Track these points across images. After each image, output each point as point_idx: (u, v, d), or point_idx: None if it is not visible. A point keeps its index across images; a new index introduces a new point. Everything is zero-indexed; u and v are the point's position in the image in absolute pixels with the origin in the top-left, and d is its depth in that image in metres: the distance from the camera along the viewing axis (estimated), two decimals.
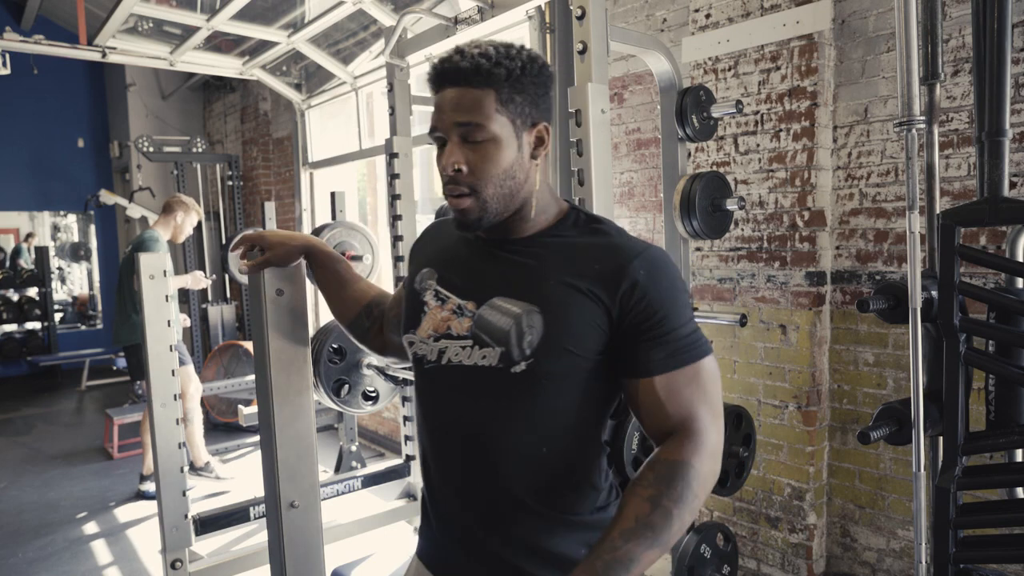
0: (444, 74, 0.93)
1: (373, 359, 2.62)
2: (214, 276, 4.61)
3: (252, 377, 4.53)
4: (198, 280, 3.94)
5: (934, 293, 1.69)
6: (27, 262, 8.01)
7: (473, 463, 0.97)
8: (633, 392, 0.93)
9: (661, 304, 0.91)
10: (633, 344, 0.92)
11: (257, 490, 3.13)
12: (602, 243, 0.96)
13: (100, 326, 8.38)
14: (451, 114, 0.92)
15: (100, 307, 8.53)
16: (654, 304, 0.91)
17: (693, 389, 0.91)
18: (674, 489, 0.86)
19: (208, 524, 2.28)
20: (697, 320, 0.99)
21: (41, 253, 7.70)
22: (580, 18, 1.64)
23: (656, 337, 0.91)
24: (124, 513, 3.71)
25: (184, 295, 5.81)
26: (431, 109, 0.98)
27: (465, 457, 0.98)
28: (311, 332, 2.18)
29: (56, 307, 8.04)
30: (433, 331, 0.99)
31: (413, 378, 1.08)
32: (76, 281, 8.77)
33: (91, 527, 3.54)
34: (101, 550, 3.28)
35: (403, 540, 2.22)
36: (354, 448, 4.09)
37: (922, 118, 1.63)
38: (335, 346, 2.55)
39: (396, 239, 2.57)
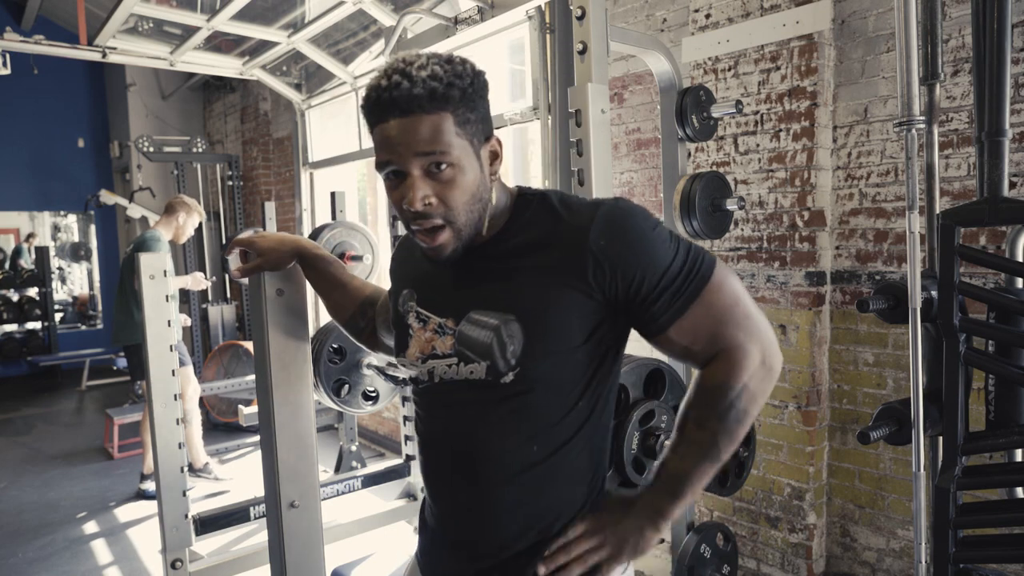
0: (394, 103, 0.84)
1: (373, 359, 2.62)
2: (214, 278, 4.62)
3: (252, 377, 4.53)
4: (198, 281, 3.95)
5: (934, 293, 1.69)
6: (27, 262, 8.01)
7: (470, 474, 0.96)
8: (658, 347, 0.93)
9: (636, 261, 0.87)
10: (633, 309, 0.90)
11: (257, 490, 3.13)
12: (556, 227, 0.92)
13: (100, 326, 8.39)
14: (409, 145, 0.85)
15: (100, 307, 8.54)
16: (629, 267, 0.87)
17: (711, 319, 0.89)
18: (714, 409, 0.89)
19: (208, 524, 2.29)
20: None
21: (41, 253, 7.70)
22: (580, 18, 1.64)
23: (648, 293, 0.88)
24: (124, 513, 3.71)
25: (184, 295, 5.81)
26: None
27: (462, 469, 0.97)
28: (311, 332, 2.18)
29: (56, 307, 8.05)
30: (420, 353, 0.99)
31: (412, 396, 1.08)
32: (76, 281, 8.77)
33: (91, 527, 3.55)
34: (101, 550, 3.28)
35: (403, 540, 2.22)
36: (354, 448, 4.09)
37: (922, 118, 1.63)
38: (335, 346, 2.55)
39: (396, 239, 2.57)
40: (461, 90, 0.86)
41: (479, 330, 0.92)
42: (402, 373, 1.06)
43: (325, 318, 5.31)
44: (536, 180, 3.58)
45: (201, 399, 4.60)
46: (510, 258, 0.94)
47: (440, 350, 0.96)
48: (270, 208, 4.58)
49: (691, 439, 0.91)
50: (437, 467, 1.02)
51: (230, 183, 6.37)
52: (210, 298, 6.17)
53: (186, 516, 2.11)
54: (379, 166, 0.90)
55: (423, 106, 0.84)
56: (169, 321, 2.08)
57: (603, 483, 1.00)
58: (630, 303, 0.89)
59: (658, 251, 0.88)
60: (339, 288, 1.29)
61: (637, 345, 1.04)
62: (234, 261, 1.35)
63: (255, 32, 4.20)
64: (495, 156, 0.94)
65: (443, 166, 0.87)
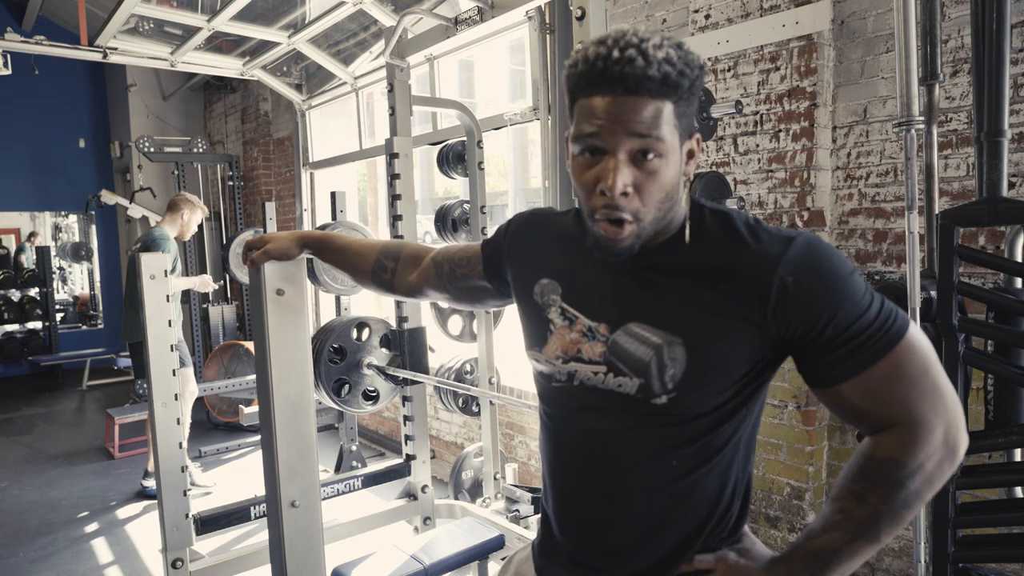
0: (623, 78, 0.77)
1: (373, 359, 2.63)
2: (221, 282, 4.64)
3: (253, 377, 4.53)
4: (206, 284, 3.99)
5: (933, 293, 1.69)
6: (28, 262, 8.02)
7: (601, 480, 0.92)
8: (824, 399, 0.85)
9: (823, 306, 0.79)
10: (806, 355, 0.83)
11: (257, 490, 3.14)
12: (740, 254, 0.84)
13: (101, 326, 8.39)
14: (624, 124, 0.78)
15: (101, 307, 8.55)
16: (815, 310, 0.79)
17: (894, 383, 0.80)
18: (881, 487, 0.81)
19: (209, 523, 2.29)
20: None
21: (42, 253, 7.71)
22: (580, 19, 1.64)
23: (829, 342, 0.80)
24: (125, 512, 3.72)
25: (185, 294, 5.82)
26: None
27: (594, 474, 0.92)
28: (311, 332, 2.18)
29: (57, 307, 8.06)
30: (562, 352, 0.93)
31: (536, 390, 1.01)
32: (77, 281, 8.78)
33: (92, 526, 3.55)
34: (102, 549, 3.29)
35: (403, 540, 2.22)
36: (354, 448, 4.10)
37: (921, 118, 1.63)
38: (335, 346, 2.56)
39: (396, 239, 2.58)
40: (690, 81, 0.79)
41: (639, 345, 0.86)
42: (535, 366, 0.98)
43: (325, 318, 5.31)
44: (536, 180, 3.58)
45: (202, 399, 4.60)
46: (684, 277, 0.86)
47: (587, 355, 0.90)
48: (270, 208, 4.59)
49: (848, 513, 0.82)
50: (564, 469, 0.96)
51: (230, 183, 6.38)
52: (211, 298, 6.19)
53: (187, 515, 2.12)
54: (577, 139, 0.82)
55: (652, 89, 0.77)
56: (170, 321, 2.09)
57: (739, 513, 0.94)
58: (806, 346, 0.82)
59: (851, 298, 0.80)
60: (350, 253, 1.32)
61: None
62: (235, 260, 1.41)
63: (255, 32, 4.21)
64: (691, 155, 0.86)
65: (651, 155, 0.79)
